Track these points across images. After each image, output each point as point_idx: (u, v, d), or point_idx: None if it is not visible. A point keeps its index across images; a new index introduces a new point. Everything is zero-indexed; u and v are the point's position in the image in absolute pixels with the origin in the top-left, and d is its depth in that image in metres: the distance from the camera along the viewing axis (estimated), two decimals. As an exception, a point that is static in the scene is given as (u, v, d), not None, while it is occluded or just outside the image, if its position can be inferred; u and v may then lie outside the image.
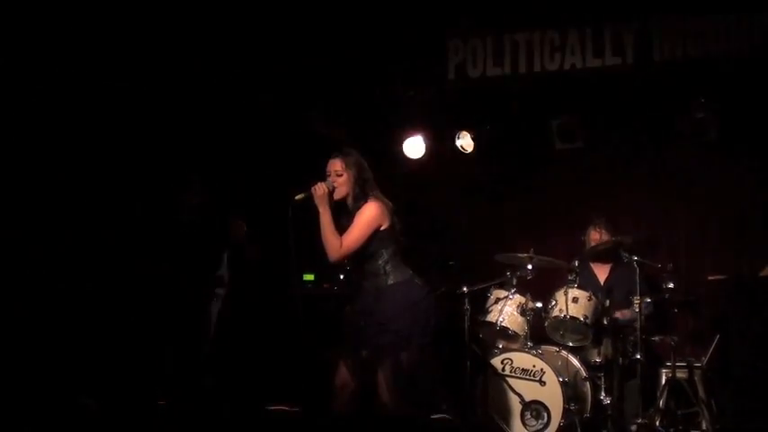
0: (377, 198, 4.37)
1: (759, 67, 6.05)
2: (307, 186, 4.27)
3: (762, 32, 6.02)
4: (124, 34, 5.69)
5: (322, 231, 4.27)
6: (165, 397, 5.26)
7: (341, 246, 4.28)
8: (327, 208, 4.27)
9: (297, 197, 4.29)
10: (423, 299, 4.37)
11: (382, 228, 4.34)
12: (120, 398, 5.17)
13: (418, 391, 4.51)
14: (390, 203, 4.39)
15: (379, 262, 4.34)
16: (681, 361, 5.93)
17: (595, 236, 6.25)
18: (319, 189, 4.28)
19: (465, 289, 5.74)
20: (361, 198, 4.36)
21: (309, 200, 4.28)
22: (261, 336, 6.01)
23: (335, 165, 4.38)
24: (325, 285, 5.89)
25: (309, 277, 6.10)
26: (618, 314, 5.97)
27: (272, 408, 5.49)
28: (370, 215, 4.32)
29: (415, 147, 6.61)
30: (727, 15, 6.03)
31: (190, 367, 5.40)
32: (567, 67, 6.14)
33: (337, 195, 4.36)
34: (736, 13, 6.02)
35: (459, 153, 6.70)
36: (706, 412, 5.75)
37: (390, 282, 4.34)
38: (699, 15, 6.03)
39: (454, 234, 6.75)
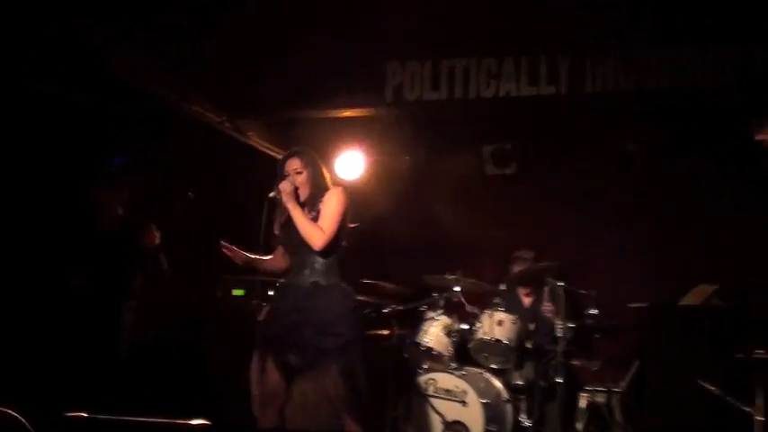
0: (340, 186, 4.46)
1: (687, 101, 6.25)
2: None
3: (690, 67, 6.20)
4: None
5: (299, 225, 4.29)
6: (83, 408, 5.20)
7: (323, 232, 4.30)
8: (296, 203, 4.32)
9: (270, 195, 4.33)
10: (357, 306, 4.45)
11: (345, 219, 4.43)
12: (37, 409, 5.11)
13: (365, 400, 4.46)
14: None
15: (323, 259, 4.36)
16: (600, 385, 6.08)
17: (518, 269, 6.39)
18: (287, 186, 4.33)
19: (392, 308, 5.87)
20: (320, 194, 4.41)
21: (279, 198, 4.33)
22: (177, 348, 6.02)
23: (294, 163, 4.43)
24: (254, 301, 5.90)
25: (239, 293, 6.10)
26: (545, 307, 6.12)
27: (193, 423, 5.49)
28: (341, 198, 4.39)
29: (350, 166, 6.72)
30: (657, 50, 6.19)
31: (105, 378, 5.35)
32: (502, 94, 6.23)
33: (302, 195, 4.39)
34: (665, 49, 6.17)
35: (394, 174, 6.85)
36: None
37: (327, 283, 4.35)
38: (630, 50, 6.16)
39: (385, 253, 6.87)
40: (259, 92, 6.35)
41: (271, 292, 5.95)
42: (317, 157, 4.52)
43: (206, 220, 6.25)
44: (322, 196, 4.41)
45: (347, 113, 6.48)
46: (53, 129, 5.96)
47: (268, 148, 6.75)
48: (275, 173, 4.49)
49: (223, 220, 6.41)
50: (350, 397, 4.28)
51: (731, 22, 5.93)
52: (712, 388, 5.37)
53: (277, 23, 6.19)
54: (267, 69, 6.26)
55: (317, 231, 4.30)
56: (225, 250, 4.53)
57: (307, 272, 4.36)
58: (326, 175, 4.51)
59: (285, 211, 4.37)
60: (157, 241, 5.33)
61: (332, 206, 4.36)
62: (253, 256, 4.53)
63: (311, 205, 4.41)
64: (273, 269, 4.64)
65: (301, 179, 4.40)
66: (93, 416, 4.57)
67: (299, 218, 4.30)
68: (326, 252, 4.34)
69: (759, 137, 6.20)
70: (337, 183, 4.56)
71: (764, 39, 5.97)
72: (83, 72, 5.55)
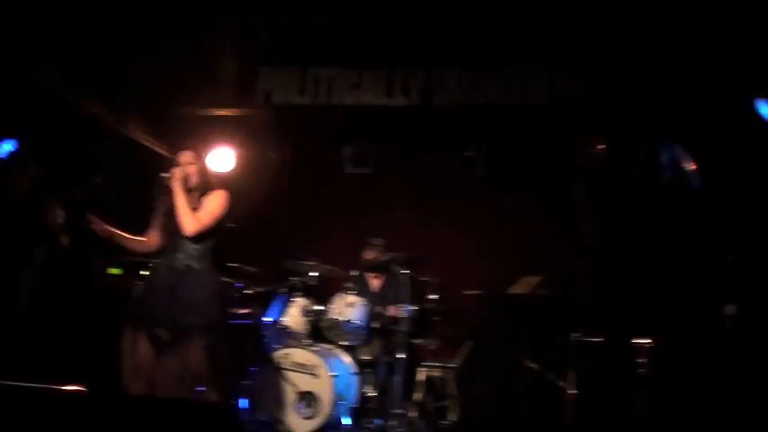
0: (227, 190, 4.85)
1: (521, 116, 7.01)
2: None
3: (524, 87, 6.93)
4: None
5: (178, 209, 4.68)
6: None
7: (197, 221, 4.69)
8: (182, 190, 4.71)
9: (162, 174, 4.74)
10: (224, 290, 4.90)
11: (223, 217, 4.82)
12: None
13: (225, 374, 4.88)
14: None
15: (199, 245, 4.75)
16: (437, 361, 6.69)
17: (369, 255, 6.95)
18: (178, 173, 4.73)
19: (255, 290, 6.21)
20: (206, 188, 4.82)
21: (169, 180, 4.72)
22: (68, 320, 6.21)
23: (187, 156, 4.85)
24: (129, 279, 6.09)
25: (116, 271, 6.44)
26: (389, 310, 6.70)
27: (69, 389, 5.74)
28: (220, 201, 4.78)
29: (223, 161, 7.09)
30: (496, 71, 6.90)
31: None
32: (361, 102, 6.83)
33: (191, 184, 4.79)
34: (503, 70, 6.88)
35: (260, 170, 7.33)
36: (454, 406, 6.55)
37: (199, 266, 4.74)
38: (473, 70, 6.86)
39: (252, 240, 7.21)
40: (141, 90, 6.71)
41: (147, 273, 6.34)
42: (207, 155, 5.03)
43: (102, 206, 6.61)
44: (208, 191, 4.83)
45: (222, 113, 6.92)
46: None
47: (150, 143, 7.12)
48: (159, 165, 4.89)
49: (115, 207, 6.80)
50: (211, 370, 4.67)
51: (559, 48, 6.69)
52: (533, 365, 6.13)
53: (159, 25, 6.52)
54: (147, 69, 6.59)
55: (192, 218, 4.69)
56: (91, 224, 4.91)
57: (181, 255, 4.75)
58: (215, 175, 4.93)
59: (171, 195, 4.73)
60: (60, 220, 5.61)
61: (213, 204, 4.79)
62: (117, 232, 4.90)
63: (197, 196, 4.82)
64: (142, 249, 4.99)
65: (192, 170, 4.81)
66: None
67: (180, 202, 4.69)
68: (196, 239, 4.73)
69: (582, 149, 7.06)
70: (224, 185, 4.95)
71: (587, 65, 6.81)
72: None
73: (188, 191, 4.80)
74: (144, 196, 4.85)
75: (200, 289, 4.72)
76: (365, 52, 6.83)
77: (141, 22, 6.45)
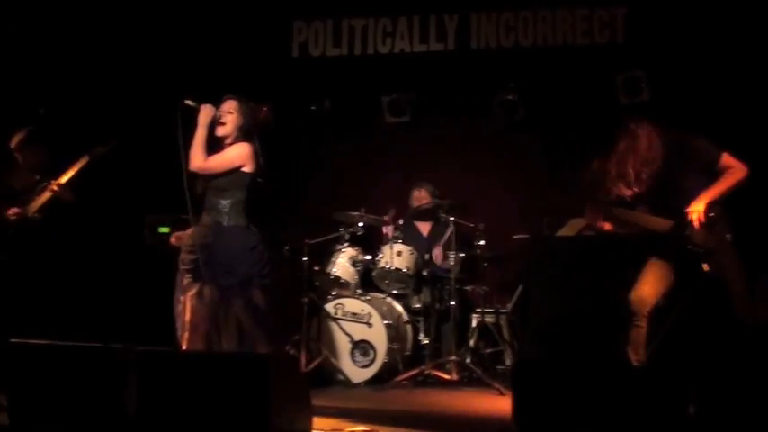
0: (253, 144, 4.73)
1: (560, 58, 6.94)
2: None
3: (561, 27, 6.92)
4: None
5: (194, 143, 4.58)
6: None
7: (204, 161, 4.60)
8: (205, 129, 4.61)
9: (186, 101, 4.61)
10: (258, 244, 4.70)
11: (243, 169, 4.68)
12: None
13: (272, 329, 4.77)
14: (262, 158, 4.76)
15: (226, 201, 4.64)
16: (489, 307, 6.68)
17: (418, 194, 6.91)
18: (208, 110, 4.63)
19: (304, 242, 6.19)
20: (236, 141, 4.70)
21: (194, 112, 4.61)
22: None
23: (230, 104, 4.74)
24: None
25: (165, 230, 6.46)
26: (435, 253, 6.69)
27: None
28: (239, 152, 4.65)
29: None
30: (535, 12, 6.89)
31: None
32: (396, 50, 6.81)
33: (221, 131, 4.68)
34: (541, 11, 6.87)
35: (306, 124, 7.28)
36: (509, 350, 6.58)
37: (230, 223, 4.64)
38: (510, 11, 6.83)
39: (298, 193, 7.30)
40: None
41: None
42: (252, 113, 4.79)
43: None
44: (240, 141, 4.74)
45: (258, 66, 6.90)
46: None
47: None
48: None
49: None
50: (256, 326, 4.64)
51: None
52: (586, 307, 6.07)
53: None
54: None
55: (201, 157, 4.59)
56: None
57: (213, 213, 4.66)
58: (253, 132, 4.76)
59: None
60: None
61: (232, 153, 4.67)
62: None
63: (227, 145, 4.72)
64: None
65: (229, 119, 4.70)
66: (28, 341, 4.86)
67: (198, 138, 4.59)
68: (224, 196, 4.62)
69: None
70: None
71: (625, 3, 6.72)
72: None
73: (219, 137, 4.70)
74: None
75: (230, 246, 4.64)
76: (398, -1, 6.80)
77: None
